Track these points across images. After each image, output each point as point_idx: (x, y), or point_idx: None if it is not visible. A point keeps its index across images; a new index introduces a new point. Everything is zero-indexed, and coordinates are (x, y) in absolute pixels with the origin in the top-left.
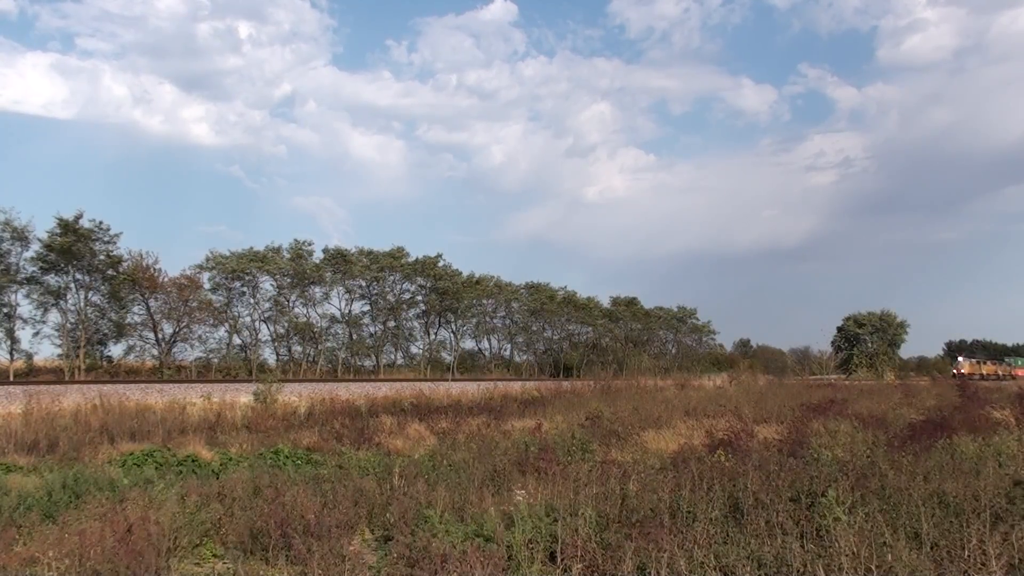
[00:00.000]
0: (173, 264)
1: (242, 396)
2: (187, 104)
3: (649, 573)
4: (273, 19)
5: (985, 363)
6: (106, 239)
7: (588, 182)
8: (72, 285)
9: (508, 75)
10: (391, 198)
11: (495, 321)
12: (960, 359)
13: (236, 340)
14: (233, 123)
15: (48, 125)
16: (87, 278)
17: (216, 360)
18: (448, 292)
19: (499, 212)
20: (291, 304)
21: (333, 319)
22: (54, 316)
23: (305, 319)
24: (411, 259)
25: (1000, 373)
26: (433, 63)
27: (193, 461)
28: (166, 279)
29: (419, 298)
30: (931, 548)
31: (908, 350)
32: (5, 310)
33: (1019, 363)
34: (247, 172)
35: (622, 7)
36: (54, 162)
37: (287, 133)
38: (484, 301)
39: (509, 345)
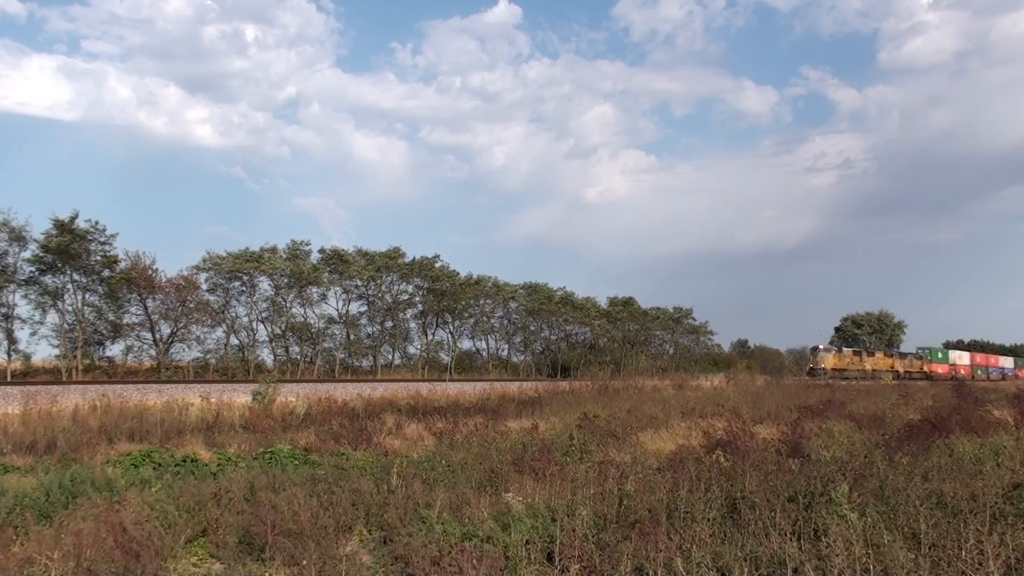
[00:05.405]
0: (176, 265)
1: (240, 396)
2: (191, 106)
3: (647, 573)
4: (279, 22)
5: (873, 354)
6: (102, 239)
7: (589, 183)
8: (69, 286)
9: (512, 77)
10: (393, 199)
11: (493, 321)
12: (820, 349)
13: (234, 340)
14: (237, 125)
15: (53, 127)
16: (84, 279)
17: (214, 360)
18: (446, 292)
19: (500, 213)
20: (288, 304)
21: (330, 319)
22: (52, 317)
23: (303, 319)
24: (408, 259)
25: (901, 370)
26: (437, 65)
27: (191, 461)
28: (164, 279)
29: (417, 298)
30: (929, 548)
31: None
32: (3, 310)
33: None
34: (249, 173)
35: (626, 10)
36: (59, 163)
37: (290, 135)
38: (482, 301)
39: (507, 345)
